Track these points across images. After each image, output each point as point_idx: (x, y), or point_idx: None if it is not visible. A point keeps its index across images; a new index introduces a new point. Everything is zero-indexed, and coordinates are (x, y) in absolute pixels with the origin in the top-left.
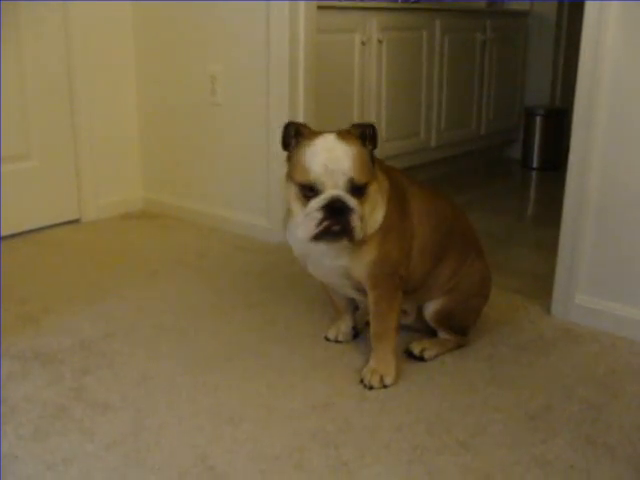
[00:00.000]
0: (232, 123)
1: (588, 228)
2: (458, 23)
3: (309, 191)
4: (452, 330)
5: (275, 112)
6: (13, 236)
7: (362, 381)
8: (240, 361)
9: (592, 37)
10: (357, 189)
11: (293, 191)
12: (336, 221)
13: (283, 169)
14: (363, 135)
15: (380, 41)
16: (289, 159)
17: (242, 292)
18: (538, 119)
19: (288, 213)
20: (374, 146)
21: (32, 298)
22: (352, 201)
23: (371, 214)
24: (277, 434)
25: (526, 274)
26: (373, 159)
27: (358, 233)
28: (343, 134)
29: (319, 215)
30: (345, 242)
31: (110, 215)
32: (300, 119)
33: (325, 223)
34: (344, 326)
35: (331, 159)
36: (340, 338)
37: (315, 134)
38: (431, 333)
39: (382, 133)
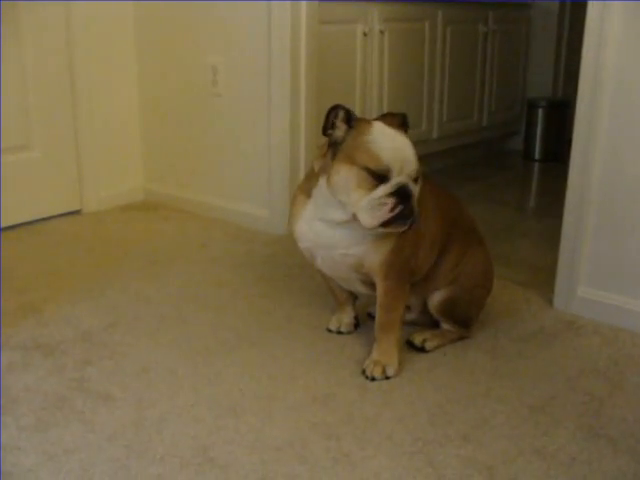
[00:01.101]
0: (233, 114)
1: (590, 220)
2: (460, 14)
3: (377, 177)
4: (455, 321)
5: (276, 103)
6: (14, 227)
7: (364, 372)
8: (241, 352)
9: (595, 29)
10: (416, 178)
11: (356, 175)
12: (406, 206)
13: (312, 152)
14: (404, 124)
15: (382, 32)
16: (340, 143)
17: (243, 283)
18: (540, 111)
19: (292, 206)
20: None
21: (33, 289)
22: (415, 187)
23: None
24: (278, 425)
25: (528, 266)
26: None
27: (418, 217)
28: (389, 122)
29: (392, 201)
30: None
31: (111, 206)
32: (301, 109)
33: (399, 208)
34: (346, 317)
35: (400, 147)
36: (342, 329)
37: (366, 120)
38: (434, 327)
39: None
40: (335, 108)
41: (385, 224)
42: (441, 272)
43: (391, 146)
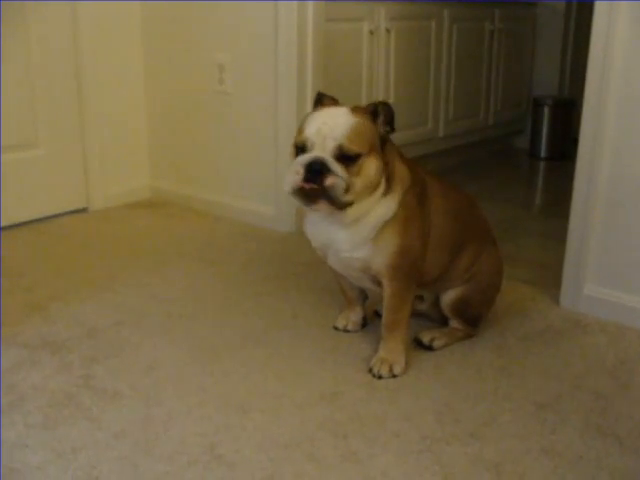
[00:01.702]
0: (240, 112)
1: (597, 218)
2: (467, 13)
3: (301, 151)
4: (465, 320)
5: (283, 100)
6: (20, 225)
7: (371, 370)
8: (248, 350)
9: (602, 28)
10: (347, 157)
11: (291, 152)
12: (314, 180)
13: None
14: (374, 112)
15: (388, 30)
16: None
17: (250, 281)
18: (546, 109)
19: None
20: (391, 127)
21: (40, 286)
22: (336, 166)
23: (367, 190)
24: (286, 423)
25: (534, 264)
26: (385, 138)
27: (338, 198)
28: (356, 108)
29: (300, 170)
30: (326, 208)
31: (117, 204)
32: (308, 107)
33: (297, 181)
34: (354, 316)
35: (327, 124)
36: (349, 327)
37: (326, 104)
38: (442, 323)
39: None
40: (316, 95)
41: (294, 193)
42: (456, 272)
43: (318, 122)
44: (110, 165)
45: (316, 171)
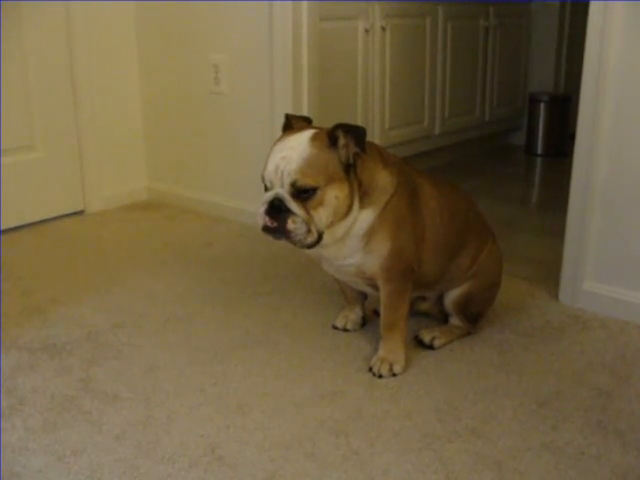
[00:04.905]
0: (236, 112)
1: (595, 214)
2: (461, 10)
3: (265, 186)
4: (467, 317)
5: (279, 100)
6: (18, 228)
7: (371, 369)
8: (248, 350)
9: (598, 22)
10: (303, 192)
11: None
12: (274, 219)
13: None
14: (333, 138)
15: (383, 28)
16: None
17: (249, 281)
18: (542, 105)
19: None
20: (361, 148)
21: (38, 289)
22: (292, 204)
23: (335, 218)
24: (286, 423)
25: (533, 261)
26: (351, 163)
27: (297, 236)
28: (318, 135)
29: (262, 210)
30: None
31: (115, 206)
32: (304, 107)
33: (264, 218)
34: (353, 315)
35: (284, 158)
36: (348, 327)
37: (297, 130)
38: (443, 320)
39: (386, 121)
40: (285, 117)
41: (266, 233)
42: (458, 272)
43: (277, 156)
44: (107, 167)
45: (277, 208)
